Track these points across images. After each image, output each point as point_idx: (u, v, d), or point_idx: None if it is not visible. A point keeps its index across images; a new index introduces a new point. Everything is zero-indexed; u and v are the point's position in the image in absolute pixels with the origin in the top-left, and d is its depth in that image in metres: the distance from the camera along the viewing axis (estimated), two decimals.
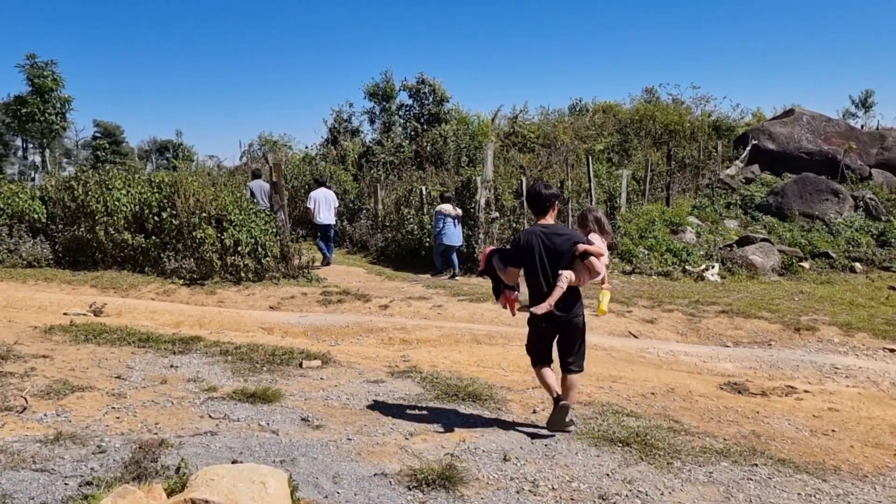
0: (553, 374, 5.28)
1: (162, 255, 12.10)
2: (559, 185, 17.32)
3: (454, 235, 13.81)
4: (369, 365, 7.18)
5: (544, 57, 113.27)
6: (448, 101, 25.14)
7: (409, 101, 25.90)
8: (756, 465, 4.68)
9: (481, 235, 14.60)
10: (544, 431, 5.14)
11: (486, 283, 13.43)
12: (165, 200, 12.25)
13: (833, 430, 5.62)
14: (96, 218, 12.19)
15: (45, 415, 4.80)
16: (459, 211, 14.11)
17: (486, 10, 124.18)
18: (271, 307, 10.94)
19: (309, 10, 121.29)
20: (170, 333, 7.93)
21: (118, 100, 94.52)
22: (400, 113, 26.01)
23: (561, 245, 5.08)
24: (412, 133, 24.58)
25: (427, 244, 14.92)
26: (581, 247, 5.02)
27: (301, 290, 11.64)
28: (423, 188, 16.39)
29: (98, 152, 39.38)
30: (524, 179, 16.02)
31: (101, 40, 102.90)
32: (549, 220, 5.31)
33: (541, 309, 4.98)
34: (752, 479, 4.42)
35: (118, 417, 4.87)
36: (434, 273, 13.91)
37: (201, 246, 11.68)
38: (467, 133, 22.91)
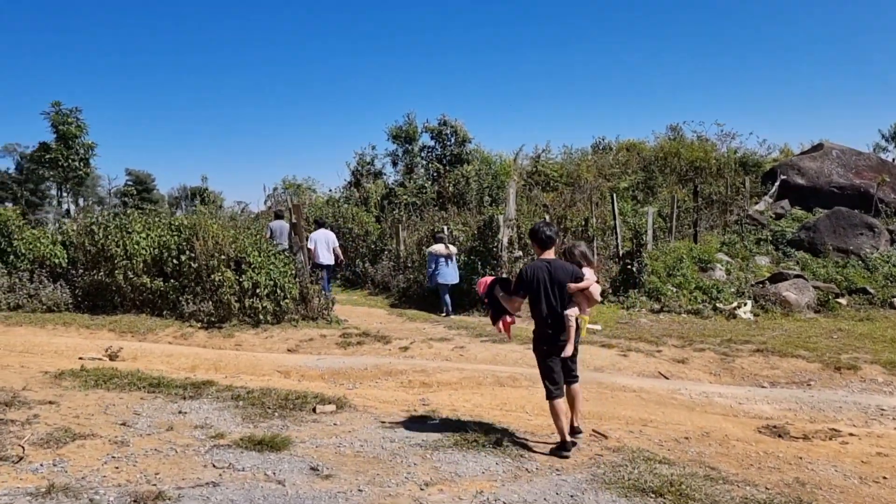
0: (563, 404, 5.76)
1: (180, 298, 11.96)
2: (584, 222, 17.07)
3: (448, 274, 14.10)
4: (387, 409, 6.88)
5: (566, 97, 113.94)
6: (470, 142, 25.17)
7: (432, 143, 25.99)
8: None
9: (504, 274, 14.28)
10: (570, 479, 4.78)
11: (516, 325, 13.13)
12: (184, 243, 12.17)
13: (884, 478, 5.18)
14: (115, 262, 12.13)
15: (41, 465, 4.56)
16: (453, 249, 14.31)
17: (507, 50, 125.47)
18: (289, 350, 10.70)
19: (333, 56, 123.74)
20: (182, 378, 7.71)
21: (149, 149, 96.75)
22: (422, 154, 26.06)
23: (564, 278, 5.68)
24: (434, 174, 24.54)
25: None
26: (581, 285, 5.66)
27: (320, 332, 11.40)
28: (446, 227, 16.19)
29: (126, 199, 39.96)
30: (547, 217, 15.75)
31: (131, 90, 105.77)
32: (551, 255, 5.93)
33: (567, 353, 5.71)
34: None
35: (117, 467, 4.62)
36: (445, 314, 13.97)
37: (219, 288, 11.53)
38: (489, 173, 22.81)
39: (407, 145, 26.07)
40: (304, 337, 11.14)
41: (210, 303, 11.72)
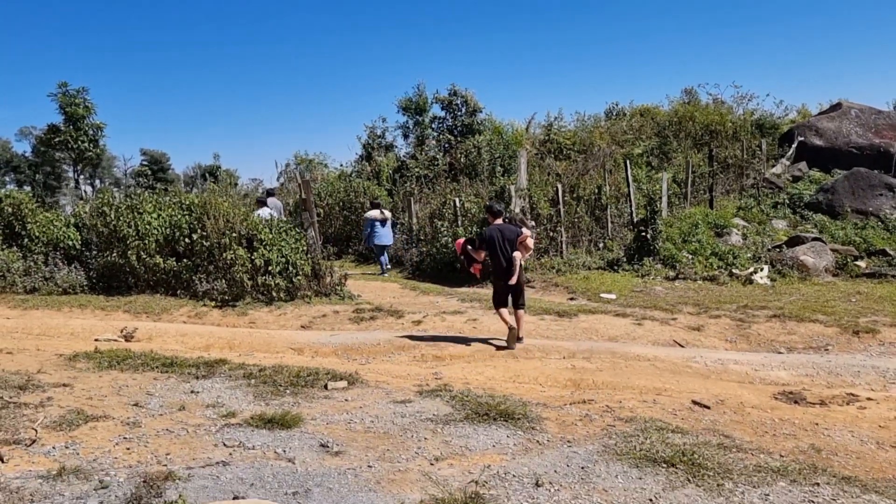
0: (507, 312, 8.96)
1: (193, 277, 12.00)
2: (597, 190, 16.90)
3: (384, 236, 15.79)
4: (398, 384, 6.87)
5: (578, 63, 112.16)
6: (481, 112, 24.91)
7: (442, 114, 25.76)
8: (818, 484, 4.21)
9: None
10: (581, 451, 4.75)
11: (525, 295, 13.07)
12: (196, 222, 12.17)
13: None
14: (128, 242, 12.17)
15: (53, 447, 4.59)
16: (388, 214, 16.00)
17: (515, 18, 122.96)
18: (302, 326, 10.72)
19: (340, 29, 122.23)
20: (195, 357, 7.74)
21: (164, 129, 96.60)
22: (433, 126, 25.84)
23: (510, 235, 8.90)
24: (446, 145, 24.34)
25: (462, 256, 14.61)
26: (524, 235, 9.00)
27: (333, 308, 11.40)
28: (457, 200, 16.10)
29: (140, 179, 40.10)
30: (560, 187, 15.61)
31: (143, 69, 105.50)
32: (500, 222, 9.16)
33: (513, 280, 8.78)
34: (813, 502, 3.96)
35: (128, 448, 4.64)
36: (381, 272, 15.75)
37: (232, 267, 11.55)
38: (501, 143, 22.57)
39: (417, 117, 25.85)
40: (317, 313, 11.15)
41: (223, 281, 11.76)
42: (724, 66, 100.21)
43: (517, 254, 8.82)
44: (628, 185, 16.96)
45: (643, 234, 14.62)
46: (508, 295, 9.01)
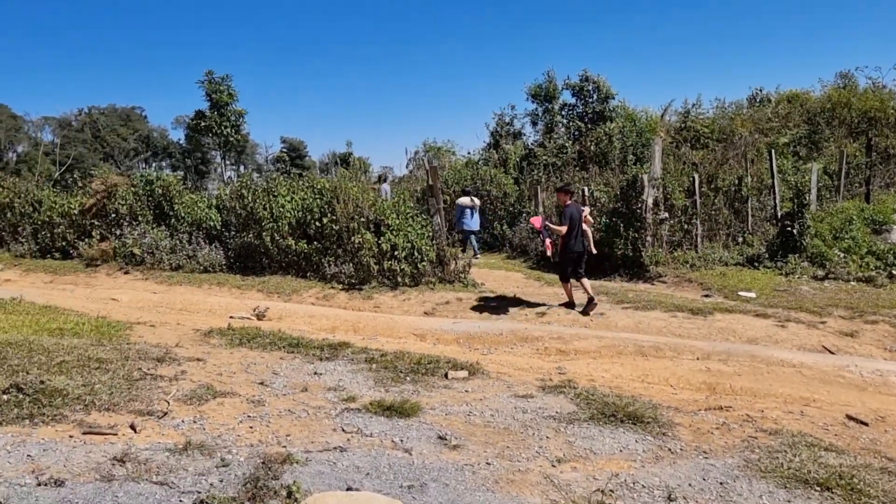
0: (570, 286, 10.45)
1: (322, 260, 12.31)
2: (737, 181, 15.87)
3: (472, 223, 16.19)
4: (520, 377, 6.64)
5: (720, 46, 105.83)
6: (613, 98, 24.04)
7: (573, 100, 25.10)
8: None
9: (648, 238, 13.57)
10: (719, 464, 4.34)
11: (653, 290, 12.48)
12: (326, 206, 12.47)
13: None
14: (263, 224, 12.66)
15: (182, 421, 4.72)
16: (477, 202, 16.40)
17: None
18: (426, 313, 10.71)
19: (470, 16, 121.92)
20: (320, 339, 7.85)
21: (302, 117, 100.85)
22: (563, 113, 25.25)
23: (580, 213, 10.13)
24: (575, 133, 23.76)
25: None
26: (586, 212, 10.37)
27: (456, 295, 11.33)
28: (586, 188, 15.59)
29: (278, 164, 42.04)
30: (697, 177, 14.75)
31: (283, 61, 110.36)
32: (571, 201, 10.37)
33: (592, 249, 10.35)
34: None
35: (251, 427, 4.70)
36: (473, 256, 15.59)
37: (359, 251, 11.73)
38: (634, 130, 21.71)
39: (547, 104, 25.35)
40: (441, 300, 11.11)
41: (350, 265, 11.97)
42: (886, 48, 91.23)
43: (588, 228, 10.38)
44: (772, 176, 15.79)
45: (789, 228, 13.54)
46: (577, 266, 10.29)
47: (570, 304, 10.43)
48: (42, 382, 4.94)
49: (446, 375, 6.40)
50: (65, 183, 19.09)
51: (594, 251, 10.32)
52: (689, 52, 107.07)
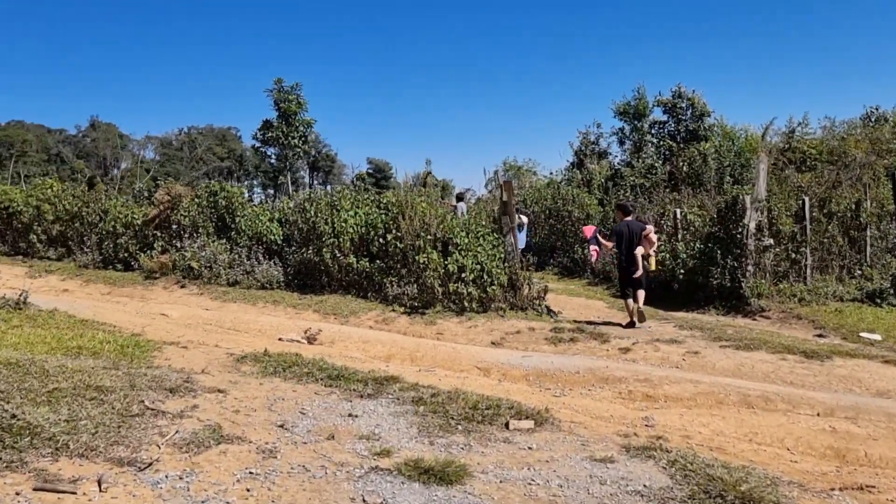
0: (632, 302, 10.22)
1: (385, 280, 11.39)
2: (854, 205, 14.08)
3: (519, 240, 14.44)
4: (598, 429, 5.44)
5: (827, 61, 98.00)
6: (709, 116, 22.35)
7: (664, 118, 23.54)
8: None
9: (750, 267, 12.03)
10: None
11: (755, 326, 10.95)
12: (391, 222, 11.57)
13: None
14: (323, 240, 11.86)
15: (166, 476, 3.78)
16: (524, 219, 14.80)
17: (750, 12, 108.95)
18: (493, 343, 9.59)
19: (555, 31, 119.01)
20: (367, 370, 6.86)
21: (389, 139, 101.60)
22: (653, 132, 23.74)
23: (636, 230, 10.21)
24: (666, 153, 22.22)
25: (680, 275, 12.73)
26: (648, 230, 10.30)
27: (529, 324, 10.16)
28: (678, 211, 14.17)
29: (358, 182, 41.90)
30: (807, 200, 13.09)
31: (371, 84, 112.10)
32: (630, 218, 10.51)
33: (637, 273, 10.07)
34: None
35: (248, 490, 3.71)
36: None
37: (424, 271, 10.75)
38: (732, 150, 20.02)
39: (635, 122, 23.88)
40: (511, 329, 9.97)
41: (414, 286, 11.01)
42: None
43: (640, 249, 10.14)
44: (895, 201, 13.95)
45: None
46: (629, 283, 10.29)
47: (631, 323, 10.31)
48: (14, 416, 4.12)
49: (507, 425, 5.26)
50: (147, 194, 19.06)
51: (647, 270, 10.31)
52: (792, 68, 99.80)
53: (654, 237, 10.51)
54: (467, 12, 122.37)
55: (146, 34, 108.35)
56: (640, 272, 10.04)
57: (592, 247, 10.98)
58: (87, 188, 18.96)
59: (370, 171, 66.48)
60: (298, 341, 9.15)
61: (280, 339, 9.19)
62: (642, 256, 10.15)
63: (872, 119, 23.63)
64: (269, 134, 20.27)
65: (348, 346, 9.06)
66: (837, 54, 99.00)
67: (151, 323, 9.53)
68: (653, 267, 10.78)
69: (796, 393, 7.13)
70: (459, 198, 16.75)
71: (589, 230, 11.29)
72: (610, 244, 10.56)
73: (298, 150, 20.88)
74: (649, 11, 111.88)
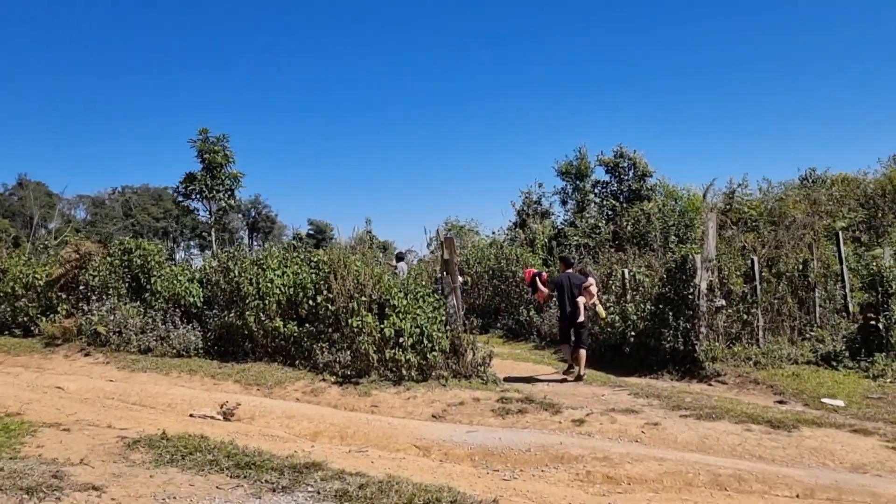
0: (567, 348, 10.79)
1: (314, 346, 10.34)
2: (801, 264, 13.81)
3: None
4: None
5: (764, 125, 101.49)
6: (651, 176, 22.27)
7: (606, 178, 23.38)
8: None
9: (703, 329, 11.46)
10: None
11: (713, 393, 10.29)
12: (322, 283, 10.58)
13: None
14: (247, 301, 10.77)
15: None
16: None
17: (689, 74, 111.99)
18: (434, 416, 8.63)
19: (495, 93, 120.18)
20: (284, 455, 5.84)
21: (328, 200, 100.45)
22: (595, 191, 23.54)
23: (577, 282, 10.75)
24: (609, 212, 21.98)
25: (631, 338, 12.08)
26: (589, 283, 10.82)
27: (473, 393, 9.27)
28: (625, 271, 13.64)
29: (296, 243, 40.55)
30: (756, 260, 12.72)
31: (308, 145, 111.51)
32: (570, 271, 11.09)
33: (579, 319, 10.51)
34: None
35: None
36: None
37: (358, 336, 9.77)
38: (675, 210, 19.86)
39: (578, 182, 23.66)
40: (454, 400, 9.05)
41: (347, 353, 9.99)
42: None
43: (581, 298, 10.54)
44: (840, 263, 13.78)
45: (872, 322, 11.37)
46: (571, 331, 10.64)
47: (570, 367, 10.80)
48: None
49: None
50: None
51: (579, 320, 10.51)
52: (730, 131, 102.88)
53: (594, 289, 10.92)
54: (406, 77, 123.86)
55: (84, 88, 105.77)
56: (582, 318, 10.44)
57: (539, 294, 11.37)
58: (12, 248, 17.27)
59: (311, 231, 65.41)
60: (213, 417, 8.04)
61: (191, 416, 8.07)
62: (591, 305, 10.80)
63: (810, 180, 24.02)
64: (192, 187, 18.81)
65: (270, 423, 7.99)
66: (773, 115, 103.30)
67: (41, 398, 8.28)
68: (603, 314, 11.48)
69: (770, 470, 6.42)
70: (400, 258, 15.88)
71: (529, 273, 11.63)
72: (545, 291, 11.15)
73: (224, 205, 19.41)
74: (590, 71, 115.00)
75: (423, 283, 11.42)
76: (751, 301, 12.30)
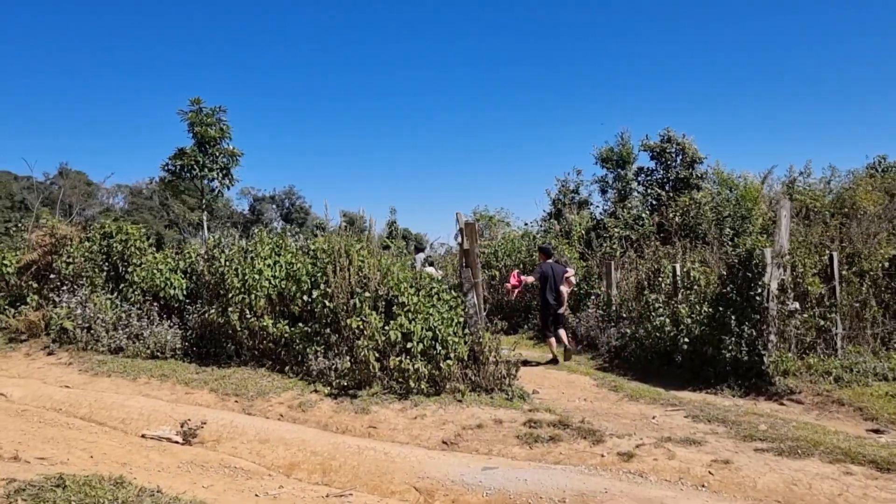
0: (555, 342, 11.08)
1: (308, 349, 8.70)
2: (888, 263, 11.78)
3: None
4: None
5: (826, 109, 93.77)
6: (701, 163, 20.19)
7: (651, 165, 21.32)
8: None
9: (772, 336, 9.61)
10: None
11: (787, 415, 8.42)
12: (321, 275, 8.94)
13: None
14: (230, 296, 9.19)
15: None
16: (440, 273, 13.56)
17: (747, 49, 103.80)
18: (444, 441, 6.96)
19: (531, 75, 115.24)
20: None
21: (358, 193, 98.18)
22: (639, 179, 21.52)
23: (559, 272, 11.21)
24: (654, 202, 20.02)
25: (684, 345, 10.29)
26: (569, 273, 11.39)
27: (495, 412, 7.56)
28: (677, 266, 11.80)
29: (317, 231, 38.95)
30: (835, 256, 10.78)
31: (343, 134, 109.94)
32: (551, 260, 11.58)
33: (562, 309, 11.19)
34: None
35: None
36: None
37: (358, 339, 8.13)
38: (730, 199, 17.83)
39: (619, 170, 21.67)
40: (470, 421, 7.35)
41: (346, 358, 8.34)
42: None
43: (564, 287, 11.09)
44: None
45: None
46: (551, 319, 11.07)
47: (554, 361, 11.01)
48: None
49: None
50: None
51: (562, 310, 11.21)
52: (788, 115, 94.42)
53: (573, 279, 11.69)
54: (440, 58, 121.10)
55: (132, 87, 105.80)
56: (564, 308, 11.21)
57: (517, 290, 11.65)
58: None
59: (344, 223, 64.43)
60: (169, 439, 6.50)
61: (143, 436, 6.54)
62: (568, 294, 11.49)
63: (879, 169, 21.68)
64: (178, 163, 16.55)
65: (238, 448, 6.41)
66: (838, 99, 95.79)
67: None
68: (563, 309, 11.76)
69: None
70: (419, 248, 14.12)
71: (515, 276, 11.68)
72: (530, 278, 11.43)
73: (218, 186, 17.18)
74: (634, 53, 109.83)
75: (445, 275, 9.77)
76: (829, 304, 10.38)
